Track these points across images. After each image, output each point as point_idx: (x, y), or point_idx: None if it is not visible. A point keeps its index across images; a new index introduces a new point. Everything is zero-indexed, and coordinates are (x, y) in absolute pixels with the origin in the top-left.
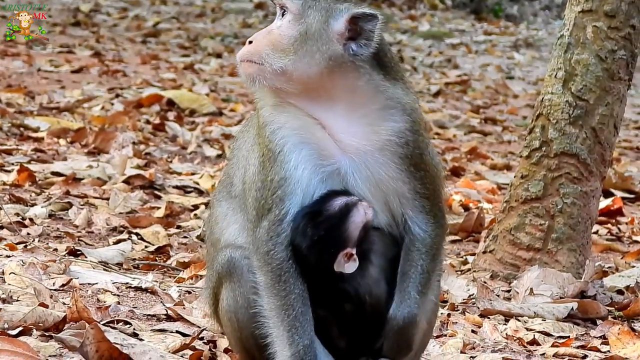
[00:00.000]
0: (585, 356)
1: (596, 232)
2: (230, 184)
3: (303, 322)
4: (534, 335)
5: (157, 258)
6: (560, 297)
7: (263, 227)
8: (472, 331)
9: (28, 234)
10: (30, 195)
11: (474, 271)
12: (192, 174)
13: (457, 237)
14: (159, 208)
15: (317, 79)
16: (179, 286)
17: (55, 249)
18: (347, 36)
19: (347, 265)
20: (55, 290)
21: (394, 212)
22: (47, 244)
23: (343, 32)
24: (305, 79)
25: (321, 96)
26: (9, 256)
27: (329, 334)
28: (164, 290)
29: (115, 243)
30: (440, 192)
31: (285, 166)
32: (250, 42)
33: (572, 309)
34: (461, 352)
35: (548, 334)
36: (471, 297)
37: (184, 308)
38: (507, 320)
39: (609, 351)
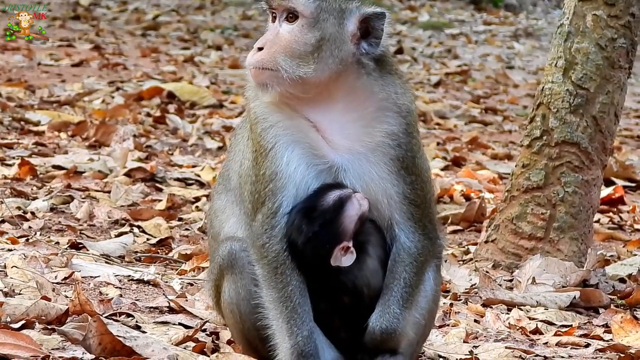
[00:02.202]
0: (588, 345)
1: (598, 221)
2: (228, 177)
3: (301, 314)
4: (537, 324)
5: (159, 250)
6: (563, 286)
7: (258, 220)
8: (475, 321)
9: (30, 227)
10: (32, 189)
11: (476, 261)
12: (193, 166)
13: (458, 227)
14: (160, 200)
15: (327, 82)
16: (181, 278)
17: (57, 242)
18: (358, 36)
19: (344, 259)
20: (57, 283)
21: (382, 216)
22: (49, 237)
23: (355, 32)
24: (318, 83)
25: (322, 97)
26: (11, 250)
27: (330, 325)
28: (166, 282)
29: (117, 236)
30: (431, 203)
31: (276, 162)
32: (260, 49)
33: (575, 297)
34: (464, 342)
35: (551, 323)
36: (473, 286)
37: (187, 300)
38: (509, 310)
39: (611, 339)
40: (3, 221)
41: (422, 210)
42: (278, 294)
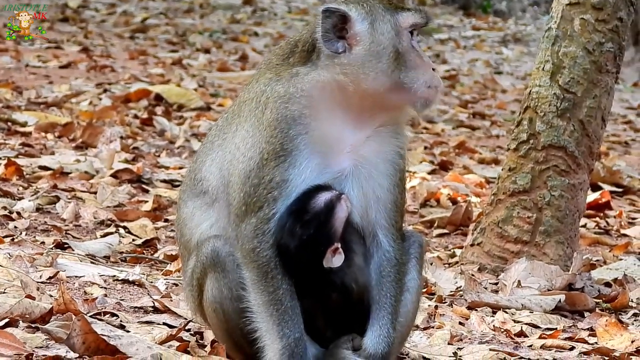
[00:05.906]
0: (573, 348)
1: (584, 226)
2: (195, 181)
3: (293, 316)
4: (522, 327)
5: (144, 251)
6: (548, 290)
7: (250, 223)
8: (460, 323)
9: (15, 227)
10: (18, 189)
11: (462, 264)
12: (180, 168)
13: (445, 231)
14: (146, 202)
15: None
16: (166, 279)
17: (43, 242)
18: None
19: (335, 260)
20: (42, 282)
21: (369, 220)
22: (35, 237)
23: None
24: None
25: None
26: None
27: (315, 324)
28: (151, 282)
29: (103, 236)
30: (404, 208)
31: (291, 170)
32: (434, 69)
33: (560, 301)
34: (448, 344)
35: (535, 326)
36: (459, 289)
37: (171, 300)
38: (494, 313)
39: (596, 343)
40: None
41: (400, 218)
42: (268, 297)
